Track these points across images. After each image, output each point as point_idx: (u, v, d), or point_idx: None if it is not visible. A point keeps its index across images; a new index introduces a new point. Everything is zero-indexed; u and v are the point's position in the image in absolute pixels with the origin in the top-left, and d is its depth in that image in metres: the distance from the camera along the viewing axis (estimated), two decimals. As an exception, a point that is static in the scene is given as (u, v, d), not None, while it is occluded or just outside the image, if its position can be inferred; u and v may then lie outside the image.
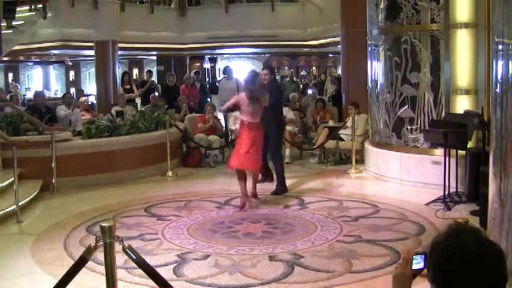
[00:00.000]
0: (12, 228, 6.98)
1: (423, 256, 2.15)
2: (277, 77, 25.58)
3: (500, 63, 4.50)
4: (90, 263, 4.28)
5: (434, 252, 1.80)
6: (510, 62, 4.30)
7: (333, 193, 8.37)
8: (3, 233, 6.79)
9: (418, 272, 2.14)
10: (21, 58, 21.72)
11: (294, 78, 20.34)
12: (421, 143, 8.63)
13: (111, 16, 15.57)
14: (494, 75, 4.72)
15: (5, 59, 18.11)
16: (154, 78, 19.95)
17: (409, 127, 8.75)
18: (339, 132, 10.70)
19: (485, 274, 1.71)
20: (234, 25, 17.41)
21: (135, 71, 25.25)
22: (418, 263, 2.18)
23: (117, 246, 3.55)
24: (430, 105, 8.54)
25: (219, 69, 22.84)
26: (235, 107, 8.11)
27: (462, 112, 7.97)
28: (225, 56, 24.31)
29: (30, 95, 19.67)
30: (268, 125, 8.04)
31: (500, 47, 4.50)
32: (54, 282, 3.73)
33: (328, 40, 16.62)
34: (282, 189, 8.43)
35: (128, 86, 14.55)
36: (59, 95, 20.39)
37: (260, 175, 8.55)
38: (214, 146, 10.97)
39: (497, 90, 4.60)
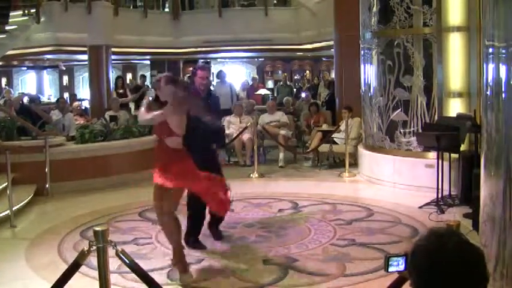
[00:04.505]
0: (6, 233, 6.97)
1: (404, 258, 2.17)
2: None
3: (491, 66, 4.53)
4: (83, 268, 4.29)
5: (415, 255, 1.83)
6: (501, 65, 4.33)
7: (327, 197, 8.37)
8: (-3, 238, 6.79)
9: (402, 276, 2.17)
10: (15, 63, 21.67)
11: (288, 82, 20.41)
12: (414, 146, 8.65)
13: (105, 20, 15.55)
14: (485, 78, 4.75)
15: (-1, 63, 18.11)
16: (148, 82, 19.94)
17: (402, 130, 8.77)
18: (333, 135, 10.72)
19: (466, 276, 1.74)
20: (228, 29, 17.42)
21: (129, 76, 25.16)
22: (397, 265, 2.20)
23: (111, 251, 3.56)
24: (423, 109, 8.57)
25: (213, 73, 22.82)
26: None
27: (455, 115, 8.01)
28: (218, 60, 24.30)
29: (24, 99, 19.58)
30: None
31: (490, 50, 4.53)
32: (48, 286, 3.73)
33: (322, 44, 16.65)
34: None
35: (122, 91, 14.55)
36: (53, 99, 20.34)
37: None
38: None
39: (488, 93, 4.64)
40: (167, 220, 5.26)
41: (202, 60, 22.67)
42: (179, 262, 5.30)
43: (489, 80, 4.58)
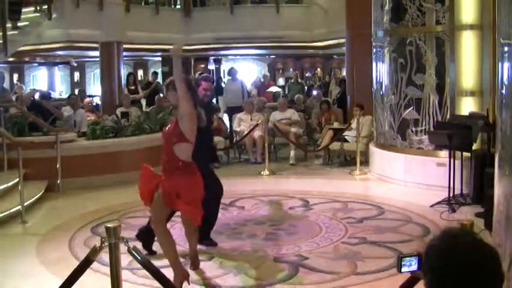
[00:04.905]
0: (17, 228, 7.00)
1: (416, 258, 2.14)
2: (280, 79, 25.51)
3: (506, 65, 4.49)
4: (95, 264, 4.28)
5: (429, 256, 1.81)
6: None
7: (338, 195, 8.35)
8: (8, 234, 6.81)
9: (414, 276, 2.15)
10: (27, 59, 21.75)
11: (299, 80, 20.38)
12: (425, 145, 8.61)
13: (116, 17, 15.57)
14: (500, 77, 4.71)
15: (10, 59, 18.15)
16: (159, 79, 19.97)
17: (413, 129, 8.73)
18: (344, 133, 10.69)
19: (481, 277, 1.72)
20: (239, 26, 17.41)
21: (140, 72, 25.23)
22: (410, 265, 2.17)
23: (122, 247, 3.56)
24: (435, 107, 8.52)
25: (224, 70, 22.85)
26: None
27: (467, 114, 7.96)
28: (229, 57, 24.30)
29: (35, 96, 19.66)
30: None
31: (505, 48, 4.49)
32: (59, 282, 3.74)
33: (333, 42, 16.63)
34: None
35: (133, 87, 14.57)
36: (64, 95, 20.42)
37: None
38: (219, 147, 10.96)
39: (503, 91, 4.59)
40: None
41: (213, 58, 22.79)
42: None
43: (504, 79, 4.54)
